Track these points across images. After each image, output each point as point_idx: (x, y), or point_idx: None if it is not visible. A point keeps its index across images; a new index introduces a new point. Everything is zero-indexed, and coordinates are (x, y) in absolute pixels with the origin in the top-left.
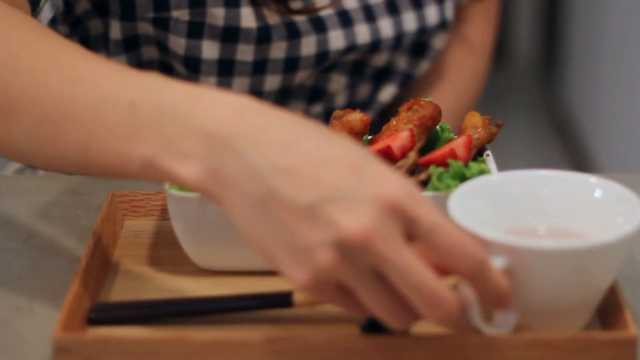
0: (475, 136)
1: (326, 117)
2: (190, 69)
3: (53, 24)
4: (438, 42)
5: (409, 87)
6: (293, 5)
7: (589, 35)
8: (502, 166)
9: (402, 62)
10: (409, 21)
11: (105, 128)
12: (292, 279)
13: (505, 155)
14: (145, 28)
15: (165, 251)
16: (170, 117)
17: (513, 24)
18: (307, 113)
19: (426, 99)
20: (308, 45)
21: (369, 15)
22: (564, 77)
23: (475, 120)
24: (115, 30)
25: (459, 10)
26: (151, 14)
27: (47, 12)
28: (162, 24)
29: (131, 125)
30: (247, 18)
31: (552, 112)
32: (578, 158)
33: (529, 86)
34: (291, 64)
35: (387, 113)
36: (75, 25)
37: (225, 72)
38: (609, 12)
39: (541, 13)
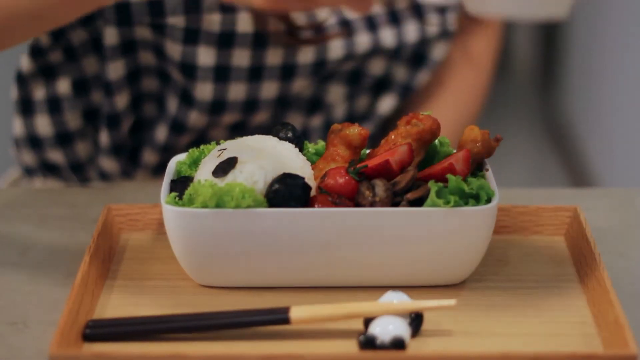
0: (475, 150)
1: (325, 129)
2: (187, 75)
3: None
4: (437, 52)
5: (410, 99)
6: (303, 35)
7: (588, 47)
8: (502, 180)
9: (400, 73)
10: (410, 31)
11: None
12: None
13: (504, 167)
14: (142, 33)
15: (162, 266)
16: None
17: (512, 34)
18: (306, 125)
19: (425, 113)
20: (306, 53)
21: (371, 24)
22: (563, 88)
23: (474, 134)
24: (111, 36)
25: (461, 23)
26: (148, 20)
27: None
28: (159, 29)
29: None
30: (245, 22)
31: (551, 123)
32: (577, 171)
33: (528, 97)
34: (288, 71)
35: (387, 126)
36: (58, 36)
37: (221, 78)
38: (608, 25)
39: (540, 24)
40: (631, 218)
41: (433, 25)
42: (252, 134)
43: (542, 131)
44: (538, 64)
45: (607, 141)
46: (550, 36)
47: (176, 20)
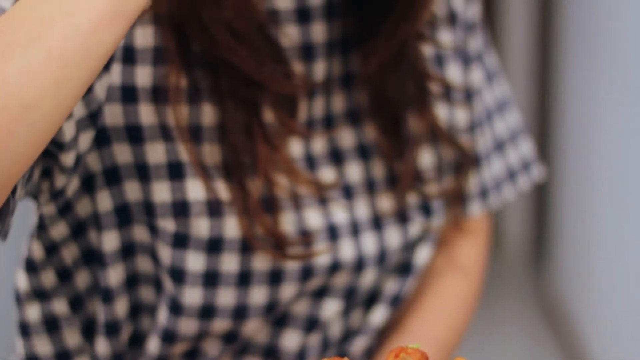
0: None
1: (323, 348)
2: (176, 280)
3: (31, 237)
4: (421, 256)
5: (400, 309)
6: (290, 252)
7: (581, 228)
8: None
9: (389, 284)
10: (393, 237)
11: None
12: None
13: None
14: (141, 233)
15: None
16: None
17: (503, 216)
18: (304, 344)
19: (413, 346)
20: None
21: (355, 230)
22: (555, 267)
23: None
24: (111, 240)
25: (448, 233)
26: (145, 219)
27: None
28: (154, 230)
29: None
30: (232, 228)
31: (544, 302)
32: (572, 351)
33: (520, 276)
34: (275, 276)
35: (381, 336)
36: (51, 253)
37: (210, 283)
38: (600, 201)
39: (532, 204)
40: None
41: (416, 227)
42: (246, 347)
43: (535, 311)
44: (530, 244)
45: (600, 320)
46: (541, 213)
47: (166, 224)
